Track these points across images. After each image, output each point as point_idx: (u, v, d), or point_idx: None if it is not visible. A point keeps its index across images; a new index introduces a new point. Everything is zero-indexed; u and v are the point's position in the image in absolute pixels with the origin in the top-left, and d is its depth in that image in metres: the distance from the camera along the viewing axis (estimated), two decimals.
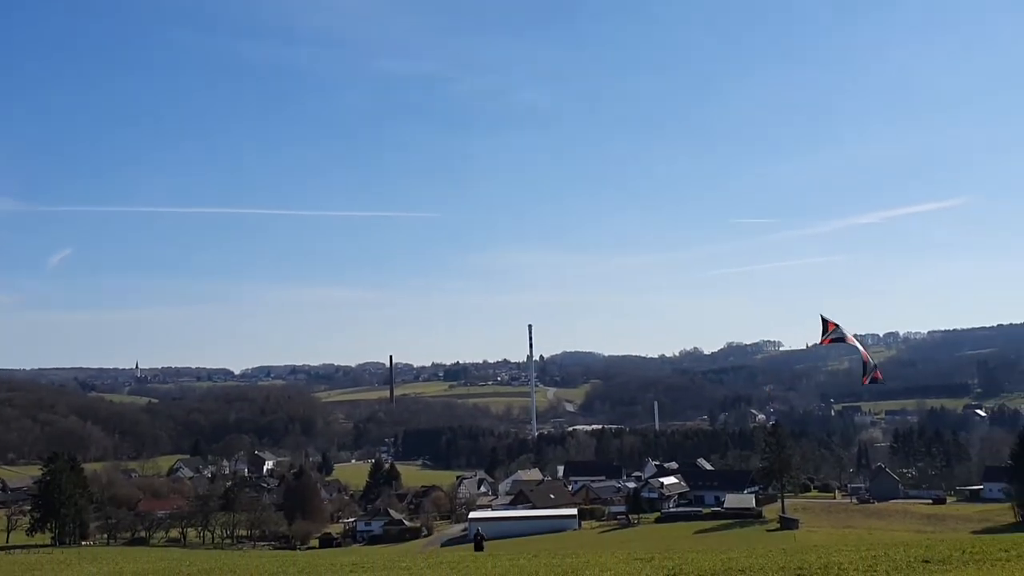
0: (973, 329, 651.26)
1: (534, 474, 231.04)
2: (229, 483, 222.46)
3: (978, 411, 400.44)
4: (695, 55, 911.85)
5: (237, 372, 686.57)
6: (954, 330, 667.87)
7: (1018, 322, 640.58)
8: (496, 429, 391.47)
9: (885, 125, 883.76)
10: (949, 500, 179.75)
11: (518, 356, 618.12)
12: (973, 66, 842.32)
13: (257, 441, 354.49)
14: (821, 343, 36.07)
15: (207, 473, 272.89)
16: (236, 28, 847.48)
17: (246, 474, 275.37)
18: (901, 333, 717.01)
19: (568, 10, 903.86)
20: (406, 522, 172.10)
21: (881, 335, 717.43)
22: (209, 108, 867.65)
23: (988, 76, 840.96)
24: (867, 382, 37.18)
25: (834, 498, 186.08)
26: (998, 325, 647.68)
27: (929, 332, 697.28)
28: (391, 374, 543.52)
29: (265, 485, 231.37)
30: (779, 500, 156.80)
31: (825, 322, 35.92)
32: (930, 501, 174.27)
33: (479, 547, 64.73)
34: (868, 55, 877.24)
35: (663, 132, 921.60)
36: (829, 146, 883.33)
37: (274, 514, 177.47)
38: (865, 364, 36.79)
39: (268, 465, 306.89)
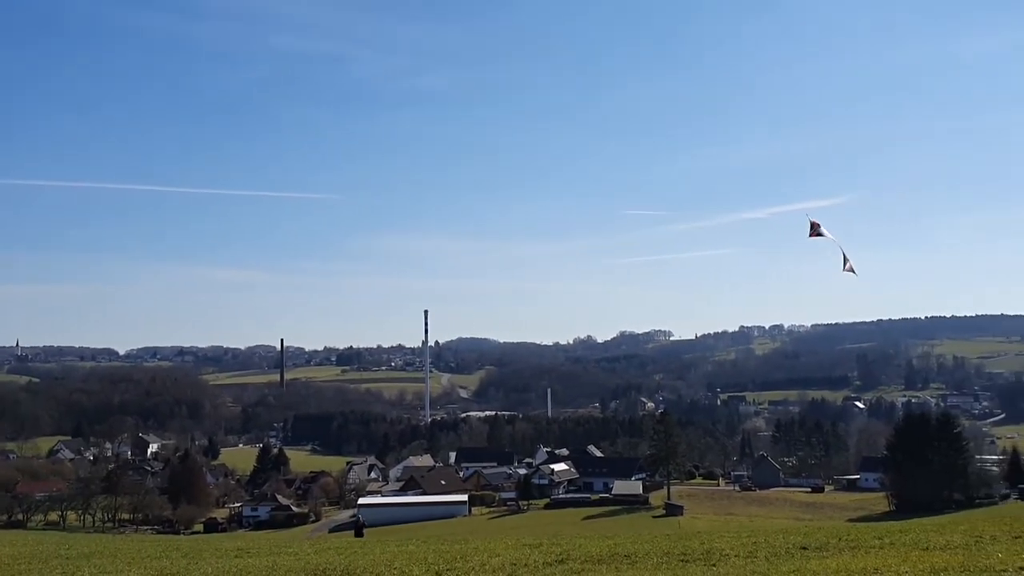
0: (854, 324, 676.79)
1: (426, 460, 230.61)
2: (112, 466, 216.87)
3: (857, 403, 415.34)
4: (596, 48, 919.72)
5: (122, 352, 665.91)
6: (836, 324, 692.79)
7: (896, 318, 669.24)
8: (389, 415, 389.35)
9: (773, 124, 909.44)
10: (827, 489, 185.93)
11: (413, 342, 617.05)
12: (857, 69, 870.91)
13: (142, 423, 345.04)
14: (809, 236, 41.82)
15: (89, 455, 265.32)
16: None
17: (129, 457, 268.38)
18: (786, 326, 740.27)
19: None
20: (294, 508, 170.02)
21: (767, 327, 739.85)
22: (99, 79, 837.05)
23: (870, 78, 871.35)
24: (846, 269, 42.21)
25: (718, 485, 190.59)
26: (877, 320, 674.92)
27: (812, 325, 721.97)
28: (282, 358, 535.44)
29: (149, 468, 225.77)
30: (665, 487, 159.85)
31: (811, 223, 41.95)
32: (809, 489, 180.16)
33: (359, 533, 64.69)
34: (758, 57, 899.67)
35: (562, 122, 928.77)
36: (721, 143, 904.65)
37: (158, 498, 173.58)
38: (845, 257, 42.07)
39: (153, 448, 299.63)
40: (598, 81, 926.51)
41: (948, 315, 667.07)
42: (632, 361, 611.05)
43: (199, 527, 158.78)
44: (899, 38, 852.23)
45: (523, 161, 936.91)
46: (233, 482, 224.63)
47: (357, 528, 67.43)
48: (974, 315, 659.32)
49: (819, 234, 41.39)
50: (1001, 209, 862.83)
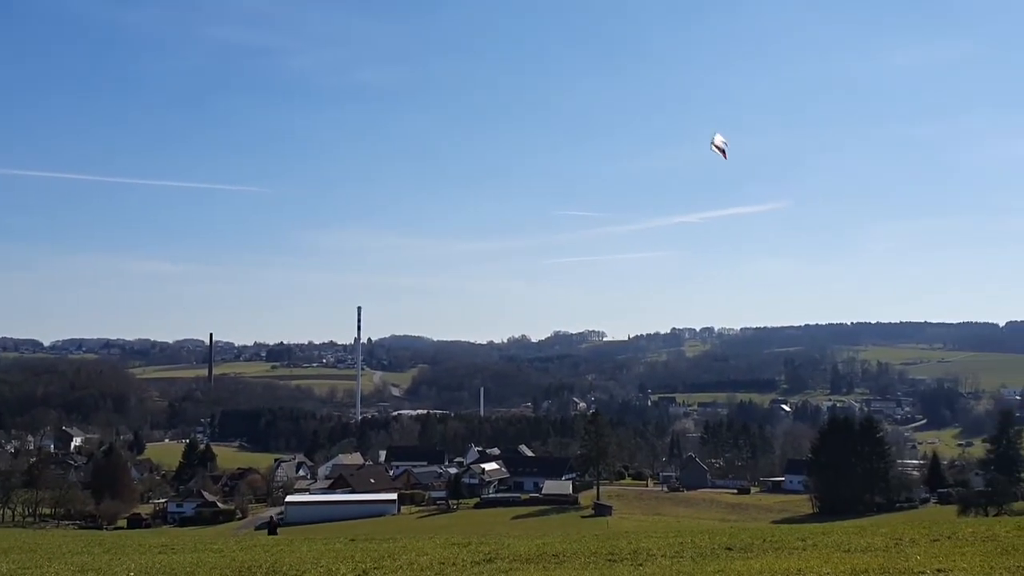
0: (782, 328, 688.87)
1: (355, 458, 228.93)
2: (33, 459, 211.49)
3: (783, 406, 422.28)
4: (534, 49, 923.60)
5: (47, 344, 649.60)
6: (764, 328, 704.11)
7: (823, 323, 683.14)
8: (319, 412, 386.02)
9: (706, 130, 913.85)
10: (753, 490, 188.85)
11: (345, 339, 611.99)
12: (790, 78, 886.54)
13: (65, 416, 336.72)
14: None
15: (10, 448, 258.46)
16: None
17: (52, 450, 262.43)
18: (716, 329, 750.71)
19: None
20: (220, 504, 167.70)
21: (697, 330, 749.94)
22: (23, 66, 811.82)
23: (802, 87, 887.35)
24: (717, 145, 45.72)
25: (647, 486, 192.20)
26: (804, 325, 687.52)
27: (741, 329, 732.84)
28: (210, 352, 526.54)
29: (72, 462, 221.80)
30: (595, 487, 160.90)
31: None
32: (735, 491, 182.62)
33: (272, 532, 64.53)
34: (694, 63, 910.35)
35: (499, 122, 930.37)
36: (655, 147, 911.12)
37: (80, 492, 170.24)
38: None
39: (76, 442, 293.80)
40: (536, 82, 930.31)
41: (873, 321, 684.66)
42: (565, 361, 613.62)
43: (123, 523, 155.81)
44: (833, 48, 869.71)
45: (459, 159, 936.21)
46: (158, 477, 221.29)
47: (271, 527, 67.15)
48: (898, 322, 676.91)
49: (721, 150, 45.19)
50: (927, 219, 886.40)
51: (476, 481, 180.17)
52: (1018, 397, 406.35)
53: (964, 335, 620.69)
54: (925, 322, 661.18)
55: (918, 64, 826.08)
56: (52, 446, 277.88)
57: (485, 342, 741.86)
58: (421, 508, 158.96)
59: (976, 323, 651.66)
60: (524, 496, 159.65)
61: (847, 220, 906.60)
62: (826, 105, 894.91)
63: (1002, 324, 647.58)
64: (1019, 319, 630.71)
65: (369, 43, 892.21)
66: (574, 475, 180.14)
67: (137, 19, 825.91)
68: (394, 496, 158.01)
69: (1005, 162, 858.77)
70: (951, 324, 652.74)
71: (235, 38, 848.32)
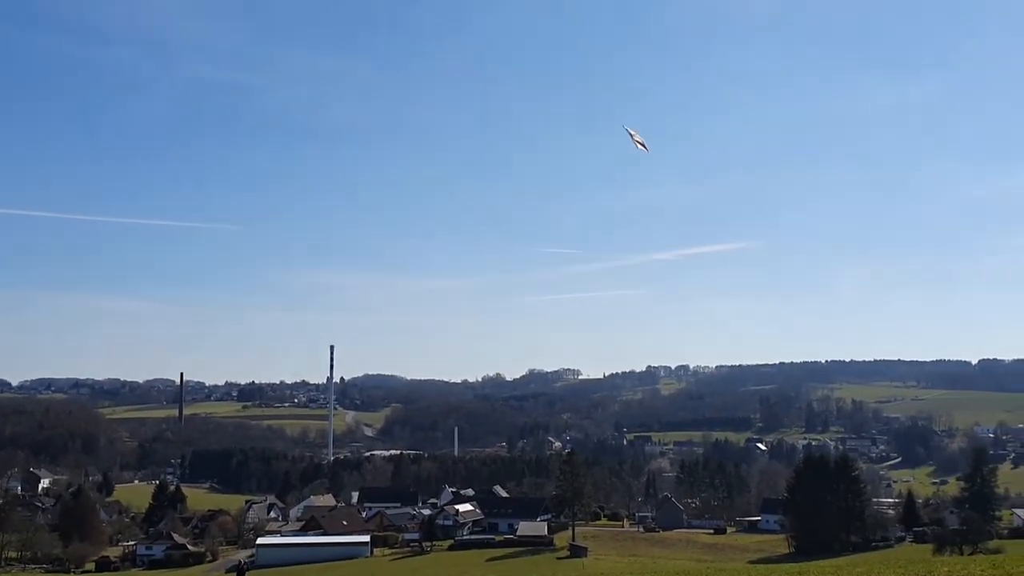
0: (757, 366, 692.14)
1: (328, 500, 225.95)
2: (0, 501, 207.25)
3: (759, 444, 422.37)
4: (509, 88, 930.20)
5: (15, 384, 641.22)
6: (739, 366, 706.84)
7: (797, 361, 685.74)
8: (290, 453, 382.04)
9: (683, 170, 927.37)
10: (729, 530, 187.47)
11: (318, 378, 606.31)
12: (765, 120, 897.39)
13: (33, 458, 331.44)
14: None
15: None
16: (24, 17, 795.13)
17: (19, 492, 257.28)
18: (691, 367, 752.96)
19: (386, 29, 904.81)
20: (190, 547, 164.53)
21: (673, 368, 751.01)
22: None
23: (777, 129, 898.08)
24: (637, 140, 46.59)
25: (622, 526, 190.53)
26: (779, 363, 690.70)
27: (716, 367, 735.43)
28: (181, 392, 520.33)
29: (40, 504, 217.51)
30: (570, 528, 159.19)
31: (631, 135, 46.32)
32: (711, 531, 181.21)
33: (241, 575, 63.56)
34: (671, 105, 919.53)
35: (472, 159, 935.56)
36: (632, 186, 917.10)
37: (48, 535, 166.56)
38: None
39: (44, 483, 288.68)
40: (510, 121, 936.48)
41: (847, 359, 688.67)
42: (540, 400, 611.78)
43: (91, 566, 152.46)
44: (803, 91, 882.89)
45: (433, 197, 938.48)
46: (128, 519, 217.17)
47: (240, 570, 65.95)
48: (872, 360, 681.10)
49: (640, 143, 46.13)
50: (899, 259, 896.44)
51: (450, 522, 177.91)
52: (991, 435, 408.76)
53: (937, 373, 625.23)
54: (899, 360, 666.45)
55: (888, 106, 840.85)
56: (19, 488, 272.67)
57: (459, 381, 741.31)
58: (395, 550, 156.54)
59: (949, 361, 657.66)
60: (499, 537, 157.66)
61: (819, 259, 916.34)
62: (797, 145, 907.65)
63: (975, 362, 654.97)
64: (991, 357, 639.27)
65: (338, 81, 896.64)
66: (549, 516, 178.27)
67: (112, 58, 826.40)
68: (367, 538, 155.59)
69: (976, 202, 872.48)
70: (924, 362, 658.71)
71: (210, 77, 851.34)
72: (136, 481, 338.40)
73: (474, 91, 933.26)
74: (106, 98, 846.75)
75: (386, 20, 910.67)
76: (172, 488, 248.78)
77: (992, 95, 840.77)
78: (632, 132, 45.54)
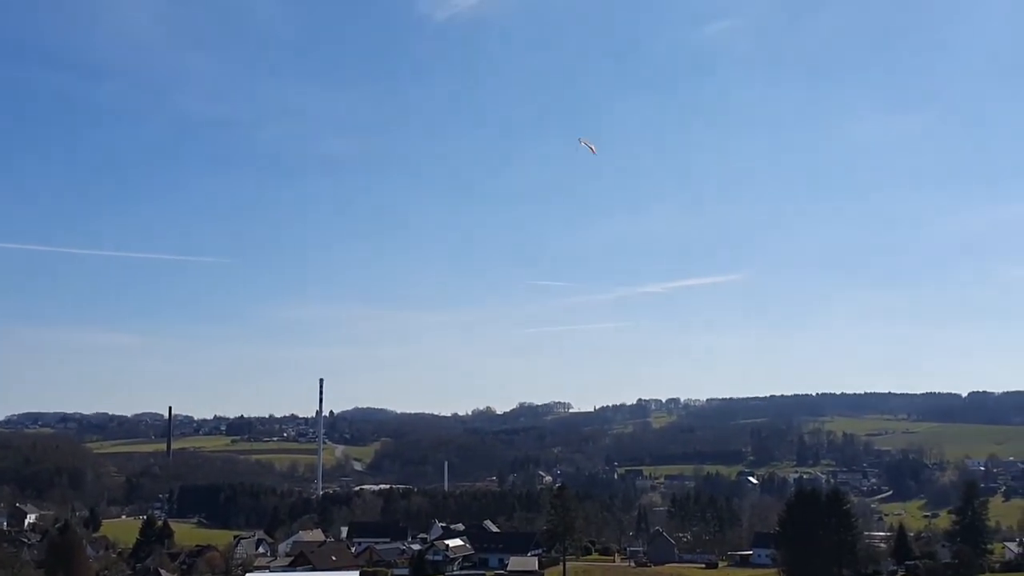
0: (747, 399, 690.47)
1: (317, 535, 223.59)
2: None
3: (750, 478, 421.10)
4: (502, 120, 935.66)
5: (2, 418, 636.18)
6: (730, 399, 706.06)
7: (788, 394, 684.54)
8: (279, 487, 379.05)
9: (672, 202, 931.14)
10: (721, 564, 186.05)
11: (307, 411, 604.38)
12: (748, 150, 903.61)
13: (19, 493, 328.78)
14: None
15: None
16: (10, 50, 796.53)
17: (5, 528, 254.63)
18: (682, 400, 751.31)
19: (375, 61, 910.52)
20: None
21: (663, 401, 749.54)
22: None
23: (762, 159, 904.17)
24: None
25: (614, 561, 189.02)
26: (770, 396, 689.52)
27: (708, 400, 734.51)
28: (169, 426, 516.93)
29: (26, 540, 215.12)
30: (561, 563, 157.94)
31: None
32: (703, 565, 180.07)
33: None
34: (660, 138, 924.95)
35: (463, 192, 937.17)
36: (621, 219, 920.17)
37: (34, 571, 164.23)
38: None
39: (30, 519, 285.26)
40: (502, 153, 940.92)
41: (838, 392, 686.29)
42: (531, 433, 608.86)
43: None
44: (793, 122, 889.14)
45: (422, 229, 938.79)
46: (114, 555, 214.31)
47: None
48: (862, 393, 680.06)
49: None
50: (888, 291, 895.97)
51: (440, 558, 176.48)
52: (982, 468, 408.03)
53: (927, 406, 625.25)
54: (889, 393, 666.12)
55: (877, 137, 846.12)
56: (5, 523, 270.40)
57: (449, 414, 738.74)
58: None
59: (939, 394, 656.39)
60: (489, 573, 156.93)
61: (809, 291, 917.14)
62: (786, 178, 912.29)
63: (964, 395, 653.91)
64: (981, 390, 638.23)
65: (331, 115, 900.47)
66: (540, 551, 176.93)
67: (101, 92, 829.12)
68: (356, 574, 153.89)
69: (964, 234, 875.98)
70: (914, 395, 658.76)
71: (198, 110, 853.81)
72: (123, 516, 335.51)
73: (464, 124, 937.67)
74: (94, 131, 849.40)
75: (375, 53, 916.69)
76: (160, 523, 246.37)
77: (981, 126, 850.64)
78: (585, 141, 48.90)
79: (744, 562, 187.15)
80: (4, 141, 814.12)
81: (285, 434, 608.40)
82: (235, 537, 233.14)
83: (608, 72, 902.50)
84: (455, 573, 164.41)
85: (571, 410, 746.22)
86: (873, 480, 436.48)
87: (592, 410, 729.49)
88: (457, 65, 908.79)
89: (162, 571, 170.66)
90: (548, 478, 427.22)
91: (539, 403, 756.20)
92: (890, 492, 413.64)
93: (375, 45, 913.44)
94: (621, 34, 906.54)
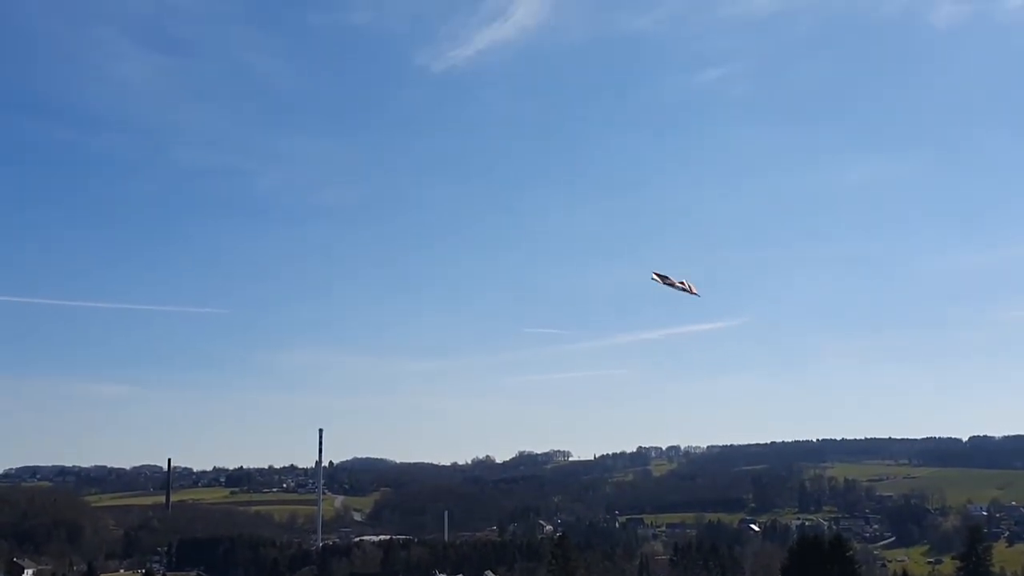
0: (748, 445, 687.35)
1: None
2: None
3: (752, 525, 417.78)
4: (497, 166, 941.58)
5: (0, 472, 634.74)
6: (731, 445, 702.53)
7: (789, 440, 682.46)
8: (279, 539, 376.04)
9: (667, 248, 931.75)
10: None
11: (306, 462, 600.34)
12: (748, 200, 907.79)
13: (17, 547, 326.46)
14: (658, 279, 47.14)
15: None
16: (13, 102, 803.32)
17: None
18: (682, 447, 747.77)
19: (377, 112, 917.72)
20: None
21: (664, 448, 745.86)
22: None
23: (759, 204, 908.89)
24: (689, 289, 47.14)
25: None
26: (771, 442, 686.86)
27: (708, 447, 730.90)
28: (168, 478, 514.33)
29: None
30: None
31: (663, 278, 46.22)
32: None
33: None
34: (657, 181, 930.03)
35: (460, 237, 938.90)
36: (618, 264, 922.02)
37: None
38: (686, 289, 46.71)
39: (28, 573, 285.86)
40: (497, 201, 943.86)
41: (839, 438, 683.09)
42: (531, 482, 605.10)
43: None
44: (786, 165, 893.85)
45: (420, 277, 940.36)
46: None
47: None
48: (863, 438, 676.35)
49: (670, 283, 46.23)
50: (886, 334, 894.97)
51: None
52: (984, 513, 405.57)
53: (928, 450, 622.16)
54: (889, 438, 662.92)
55: (869, 180, 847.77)
56: None
57: (448, 463, 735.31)
58: None
59: (940, 438, 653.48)
60: None
61: (807, 336, 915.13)
62: (783, 223, 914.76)
63: (965, 439, 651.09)
64: (982, 434, 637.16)
65: (328, 164, 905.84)
66: None
67: (103, 144, 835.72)
68: None
69: (959, 275, 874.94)
70: (915, 439, 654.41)
71: (199, 161, 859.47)
72: (121, 571, 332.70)
73: (459, 173, 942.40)
74: (96, 183, 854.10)
75: (372, 104, 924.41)
76: None
77: (975, 168, 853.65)
78: (664, 277, 46.02)
79: None
80: (4, 193, 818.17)
81: (284, 485, 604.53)
82: None
83: (603, 119, 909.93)
84: None
85: (571, 458, 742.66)
86: (875, 526, 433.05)
87: (592, 458, 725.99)
88: (453, 115, 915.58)
89: None
90: (549, 527, 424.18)
91: (538, 452, 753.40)
92: (893, 538, 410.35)
93: (372, 96, 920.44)
94: (617, 82, 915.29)
